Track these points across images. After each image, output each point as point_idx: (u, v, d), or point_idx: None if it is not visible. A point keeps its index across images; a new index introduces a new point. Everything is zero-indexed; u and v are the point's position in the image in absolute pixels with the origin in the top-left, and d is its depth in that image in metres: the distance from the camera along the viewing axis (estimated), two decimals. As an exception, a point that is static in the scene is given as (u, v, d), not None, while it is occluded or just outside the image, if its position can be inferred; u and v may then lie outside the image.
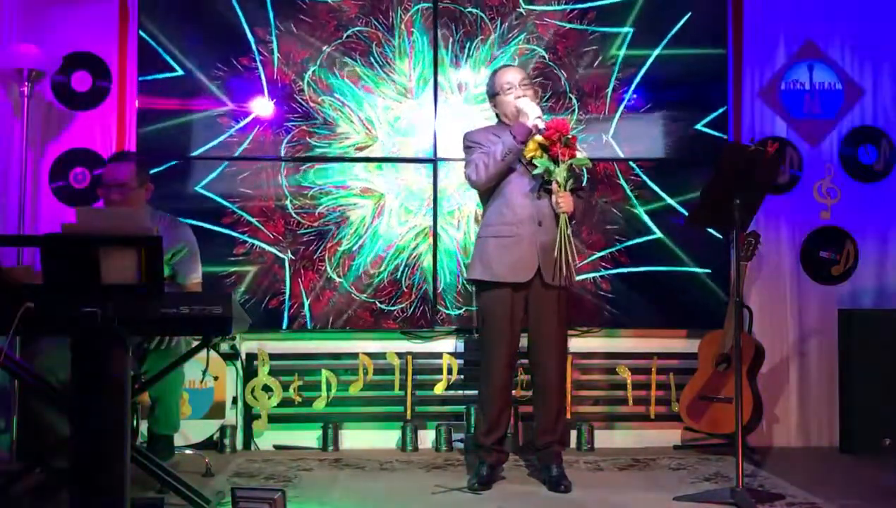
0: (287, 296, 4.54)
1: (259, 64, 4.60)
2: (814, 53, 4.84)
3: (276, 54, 4.60)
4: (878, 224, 4.81)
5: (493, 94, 3.81)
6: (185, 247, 3.77)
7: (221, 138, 4.58)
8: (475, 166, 3.64)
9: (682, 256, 4.67)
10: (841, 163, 4.82)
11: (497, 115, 3.84)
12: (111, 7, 4.58)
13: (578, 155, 3.61)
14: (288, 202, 4.57)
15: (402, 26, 4.66)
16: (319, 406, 4.56)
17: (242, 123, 4.60)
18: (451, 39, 4.66)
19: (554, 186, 3.61)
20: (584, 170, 3.70)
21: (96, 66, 4.58)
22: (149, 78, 4.54)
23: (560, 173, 3.57)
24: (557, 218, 3.62)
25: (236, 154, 4.58)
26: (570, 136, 3.59)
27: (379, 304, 4.58)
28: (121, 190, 3.62)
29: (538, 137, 3.61)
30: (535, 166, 3.61)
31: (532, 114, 3.61)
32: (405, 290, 4.59)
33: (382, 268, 4.60)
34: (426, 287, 4.59)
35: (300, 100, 4.61)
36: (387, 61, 4.65)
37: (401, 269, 4.60)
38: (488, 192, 3.71)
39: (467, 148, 3.76)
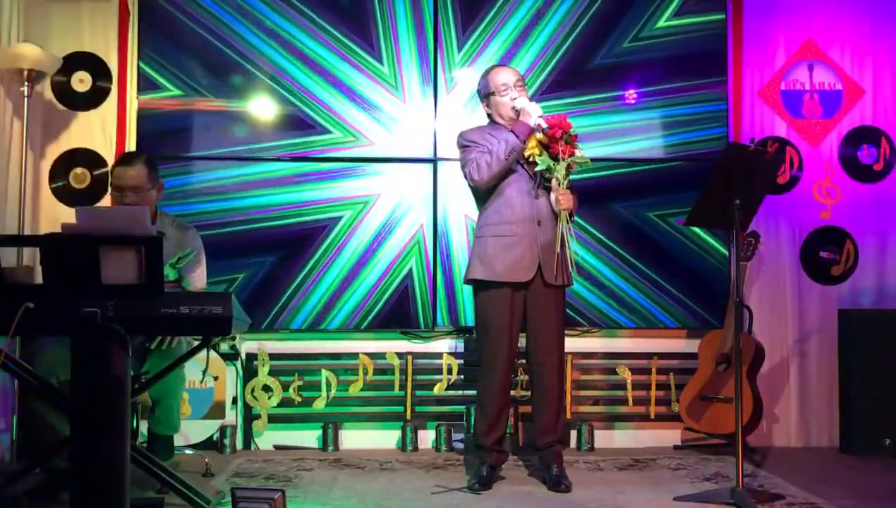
0: (286, 297, 4.56)
1: (257, 63, 4.61)
2: (814, 53, 4.84)
3: (272, 53, 4.61)
4: (878, 224, 4.81)
5: (486, 95, 3.80)
6: (192, 251, 3.75)
7: (221, 139, 4.59)
8: (477, 165, 3.64)
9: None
10: (841, 163, 4.82)
11: (489, 115, 3.84)
12: (111, 7, 4.58)
13: (577, 152, 3.61)
14: (286, 202, 4.59)
15: (396, 19, 4.67)
16: (319, 406, 4.56)
17: (241, 125, 4.61)
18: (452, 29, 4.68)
19: (553, 183, 3.61)
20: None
21: (96, 66, 4.58)
22: (148, 80, 4.56)
23: (560, 170, 3.57)
24: (556, 216, 3.63)
25: (236, 155, 4.58)
26: (571, 133, 3.60)
27: (379, 305, 4.58)
28: (135, 192, 3.60)
29: (538, 135, 3.62)
30: (535, 164, 3.61)
31: (534, 113, 3.62)
32: (405, 290, 4.60)
33: (382, 269, 4.60)
34: (426, 287, 4.60)
35: (300, 99, 4.62)
36: (383, 58, 4.66)
37: (401, 270, 4.61)
38: (487, 192, 3.71)
39: (464, 147, 3.75)
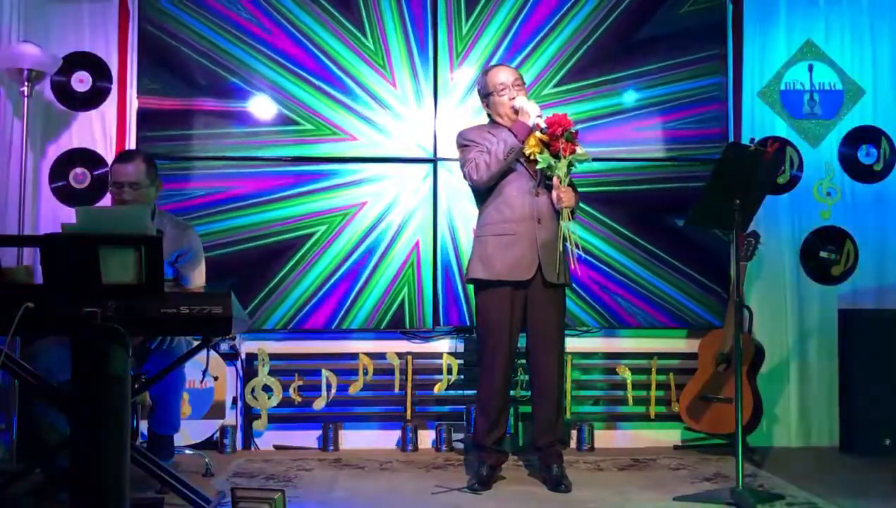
0: (287, 296, 4.56)
1: (257, 64, 4.61)
2: (814, 53, 4.84)
3: (272, 52, 4.62)
4: (878, 224, 4.81)
5: (485, 94, 3.80)
6: (190, 250, 3.76)
7: (221, 140, 4.59)
8: (476, 165, 3.64)
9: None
10: (841, 163, 4.82)
11: (489, 115, 3.84)
12: (111, 7, 4.58)
13: (578, 149, 3.61)
14: (284, 200, 4.59)
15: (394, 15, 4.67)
16: (319, 406, 4.56)
17: (242, 125, 4.61)
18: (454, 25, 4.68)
19: (555, 181, 3.61)
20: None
21: (96, 66, 4.58)
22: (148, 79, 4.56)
23: (561, 168, 3.57)
24: (556, 215, 3.63)
25: (237, 155, 4.58)
26: (572, 131, 3.60)
27: (379, 305, 4.58)
28: (133, 188, 3.61)
29: (538, 133, 3.62)
30: (536, 162, 3.61)
31: (533, 112, 3.62)
32: (405, 290, 4.60)
33: (381, 269, 4.60)
34: (426, 287, 4.59)
35: (301, 99, 4.62)
36: (378, 53, 4.66)
37: (401, 269, 4.61)
38: (487, 191, 3.71)
39: (463, 146, 3.75)
